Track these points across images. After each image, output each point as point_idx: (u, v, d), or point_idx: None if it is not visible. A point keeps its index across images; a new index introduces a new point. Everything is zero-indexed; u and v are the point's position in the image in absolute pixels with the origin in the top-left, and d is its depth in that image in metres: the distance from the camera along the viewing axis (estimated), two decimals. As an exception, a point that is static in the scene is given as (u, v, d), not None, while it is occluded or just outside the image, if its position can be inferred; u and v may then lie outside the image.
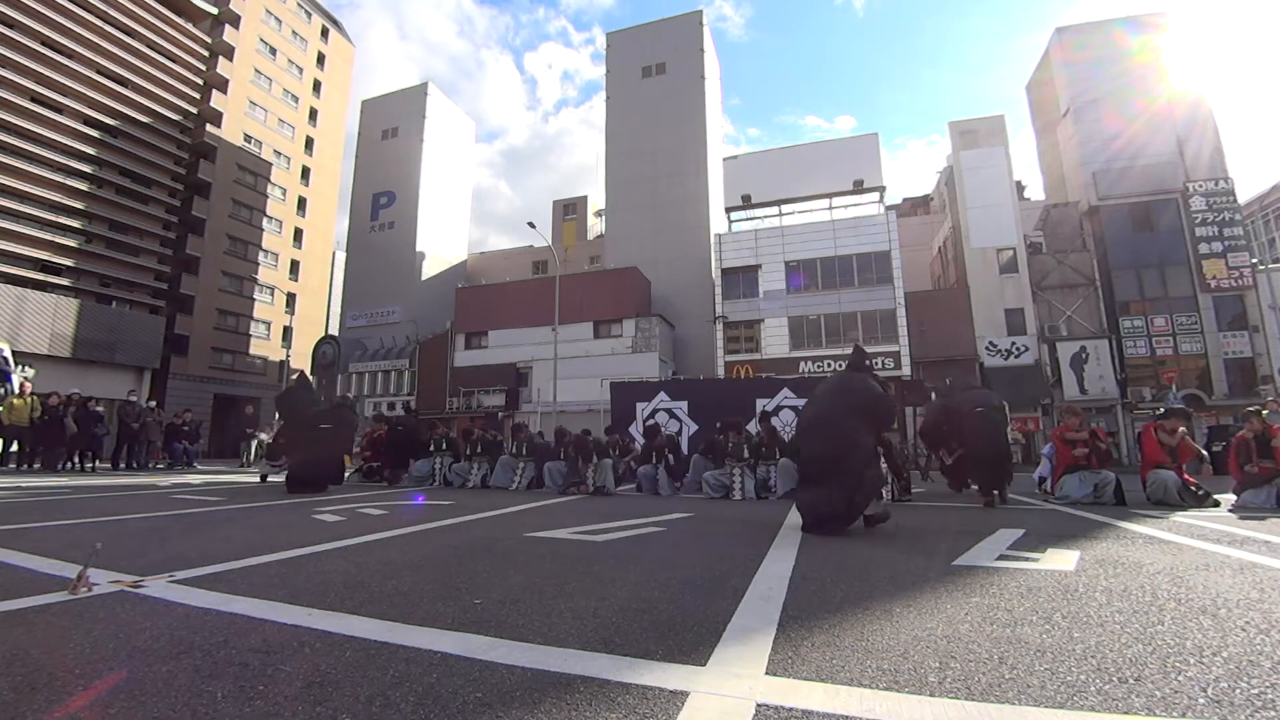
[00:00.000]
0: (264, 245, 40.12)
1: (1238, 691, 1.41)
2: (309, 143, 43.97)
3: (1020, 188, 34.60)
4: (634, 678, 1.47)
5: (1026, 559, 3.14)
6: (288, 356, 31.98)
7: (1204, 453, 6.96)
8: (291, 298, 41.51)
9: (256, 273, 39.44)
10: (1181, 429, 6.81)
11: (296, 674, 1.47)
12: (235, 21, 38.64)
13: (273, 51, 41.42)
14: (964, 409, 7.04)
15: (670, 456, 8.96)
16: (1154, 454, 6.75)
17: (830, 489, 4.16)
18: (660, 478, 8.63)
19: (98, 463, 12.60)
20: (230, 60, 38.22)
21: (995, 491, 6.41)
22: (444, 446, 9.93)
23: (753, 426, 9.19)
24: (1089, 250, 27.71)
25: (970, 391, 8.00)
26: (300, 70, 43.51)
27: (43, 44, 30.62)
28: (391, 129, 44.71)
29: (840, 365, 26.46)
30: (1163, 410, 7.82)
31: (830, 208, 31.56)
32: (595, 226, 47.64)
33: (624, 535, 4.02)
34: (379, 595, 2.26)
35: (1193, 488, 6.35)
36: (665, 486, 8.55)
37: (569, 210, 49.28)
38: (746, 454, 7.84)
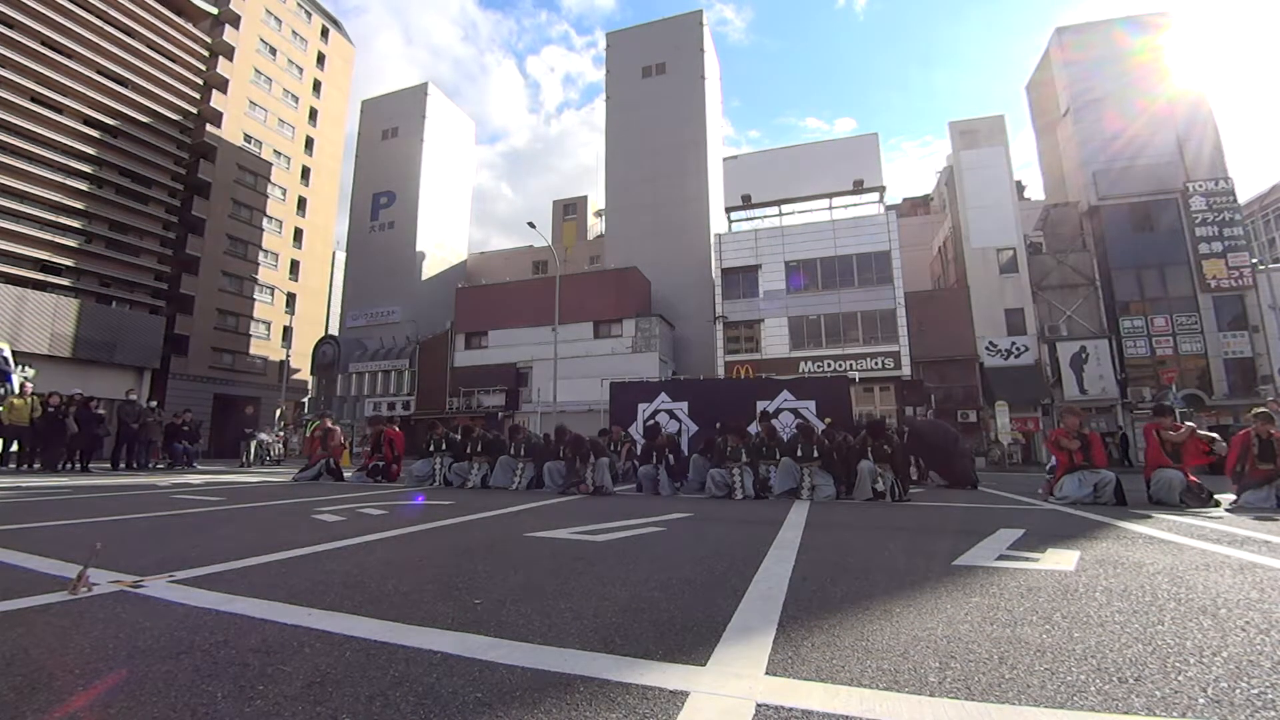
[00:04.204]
0: (264, 245, 40.11)
1: (1238, 691, 1.41)
2: (309, 143, 43.97)
3: (1020, 188, 34.60)
4: (634, 678, 1.47)
5: (1026, 559, 3.14)
6: (288, 356, 31.98)
7: (1214, 437, 6.89)
8: (291, 298, 41.50)
9: (256, 273, 39.44)
10: (1189, 424, 6.85)
11: (296, 674, 1.47)
12: (235, 21, 38.66)
13: (273, 51, 41.42)
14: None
15: (670, 456, 8.95)
16: (1156, 456, 6.75)
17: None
18: (660, 478, 8.62)
19: (96, 463, 12.59)
20: (230, 60, 38.23)
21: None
22: (444, 446, 9.92)
23: (753, 428, 9.19)
24: (1089, 250, 27.69)
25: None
26: (300, 70, 43.50)
27: (43, 44, 30.62)
28: (391, 129, 44.69)
29: (840, 365, 26.58)
30: (1154, 407, 7.89)
31: (830, 208, 31.55)
32: (595, 226, 47.60)
33: (624, 535, 4.01)
34: (379, 595, 2.26)
35: (1194, 488, 6.35)
36: (665, 486, 8.54)
37: (569, 210, 49.24)
38: (745, 456, 7.84)
